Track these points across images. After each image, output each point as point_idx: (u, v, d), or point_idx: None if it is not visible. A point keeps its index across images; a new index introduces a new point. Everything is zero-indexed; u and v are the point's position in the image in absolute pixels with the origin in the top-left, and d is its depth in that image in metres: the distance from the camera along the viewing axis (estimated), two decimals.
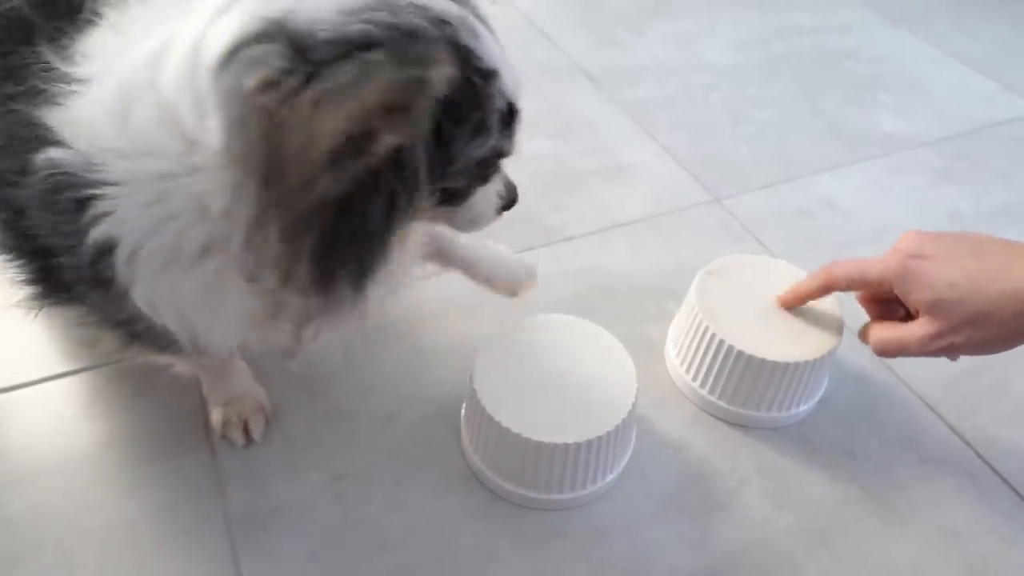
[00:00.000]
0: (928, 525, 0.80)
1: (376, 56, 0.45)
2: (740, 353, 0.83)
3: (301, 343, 0.65)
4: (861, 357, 0.96)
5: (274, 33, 0.47)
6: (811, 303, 0.86)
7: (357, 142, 0.45)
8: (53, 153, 0.52)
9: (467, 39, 0.52)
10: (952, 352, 0.70)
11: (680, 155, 1.30)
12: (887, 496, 0.83)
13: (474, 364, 0.80)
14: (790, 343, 0.84)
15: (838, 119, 1.41)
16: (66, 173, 0.52)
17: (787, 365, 0.83)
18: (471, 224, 0.67)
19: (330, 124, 0.44)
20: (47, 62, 0.54)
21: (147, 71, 0.51)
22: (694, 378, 0.89)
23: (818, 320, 0.87)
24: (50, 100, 0.53)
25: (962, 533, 0.80)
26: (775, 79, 1.51)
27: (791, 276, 0.88)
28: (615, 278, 1.05)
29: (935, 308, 0.68)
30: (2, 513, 0.76)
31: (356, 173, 0.47)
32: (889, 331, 0.74)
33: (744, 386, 0.85)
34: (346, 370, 0.92)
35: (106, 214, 0.53)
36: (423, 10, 0.50)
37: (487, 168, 0.60)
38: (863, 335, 0.79)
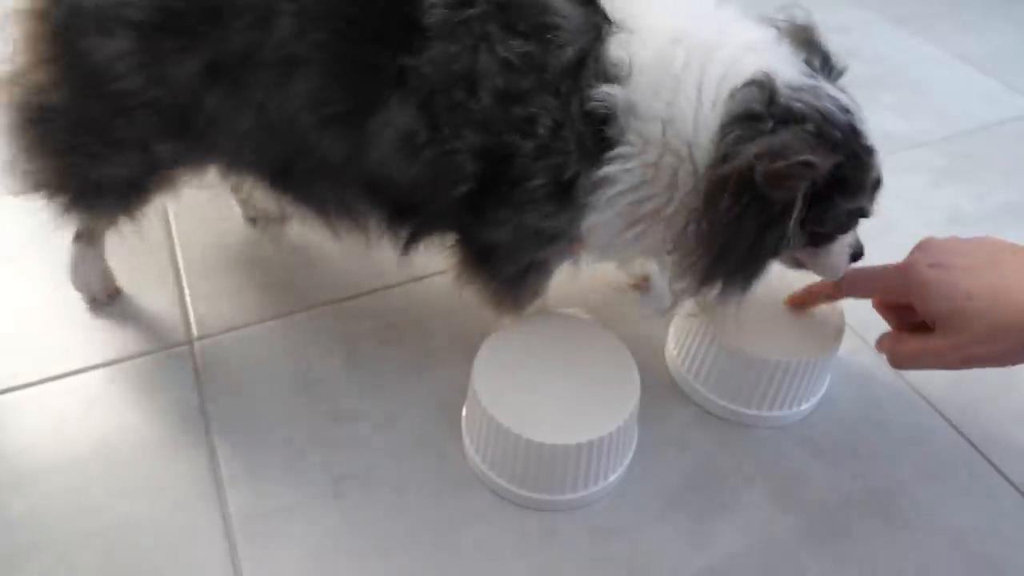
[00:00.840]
0: (932, 526, 0.80)
1: (803, 129, 0.64)
2: (740, 352, 0.83)
3: (675, 306, 0.79)
4: (864, 357, 0.96)
5: (765, 85, 0.65)
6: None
7: (768, 188, 0.62)
8: (610, 88, 0.67)
9: (859, 123, 0.68)
10: (969, 364, 0.68)
11: None
12: (891, 497, 0.82)
13: (474, 363, 0.80)
14: (791, 342, 0.84)
15: None
16: (608, 109, 0.67)
17: (788, 363, 0.82)
18: (825, 269, 0.78)
19: (761, 168, 0.61)
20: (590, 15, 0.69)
21: (695, 58, 0.67)
22: (695, 376, 0.89)
23: (820, 320, 0.86)
24: (603, 42, 0.68)
25: (966, 534, 0.79)
26: None
27: (791, 276, 0.88)
28: (617, 276, 1.05)
29: (952, 320, 0.66)
30: (2, 514, 0.76)
31: (761, 209, 0.64)
32: (905, 343, 0.72)
33: (745, 385, 0.85)
34: (349, 370, 0.92)
35: (619, 158, 0.68)
36: (834, 100, 0.67)
37: (850, 222, 0.73)
38: (880, 345, 0.78)
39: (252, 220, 1.11)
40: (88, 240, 0.94)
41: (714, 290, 0.70)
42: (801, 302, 0.84)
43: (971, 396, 0.92)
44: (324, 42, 0.70)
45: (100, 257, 0.96)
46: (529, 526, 0.78)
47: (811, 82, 0.68)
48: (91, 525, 0.76)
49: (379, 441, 0.85)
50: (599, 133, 0.68)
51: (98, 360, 0.91)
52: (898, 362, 0.74)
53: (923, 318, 0.72)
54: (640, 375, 0.80)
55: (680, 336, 0.92)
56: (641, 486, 0.82)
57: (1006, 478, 0.84)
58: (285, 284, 1.02)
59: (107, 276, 0.98)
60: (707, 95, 0.67)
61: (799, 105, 0.65)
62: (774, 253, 0.69)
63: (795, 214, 0.65)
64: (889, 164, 1.29)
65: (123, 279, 1.01)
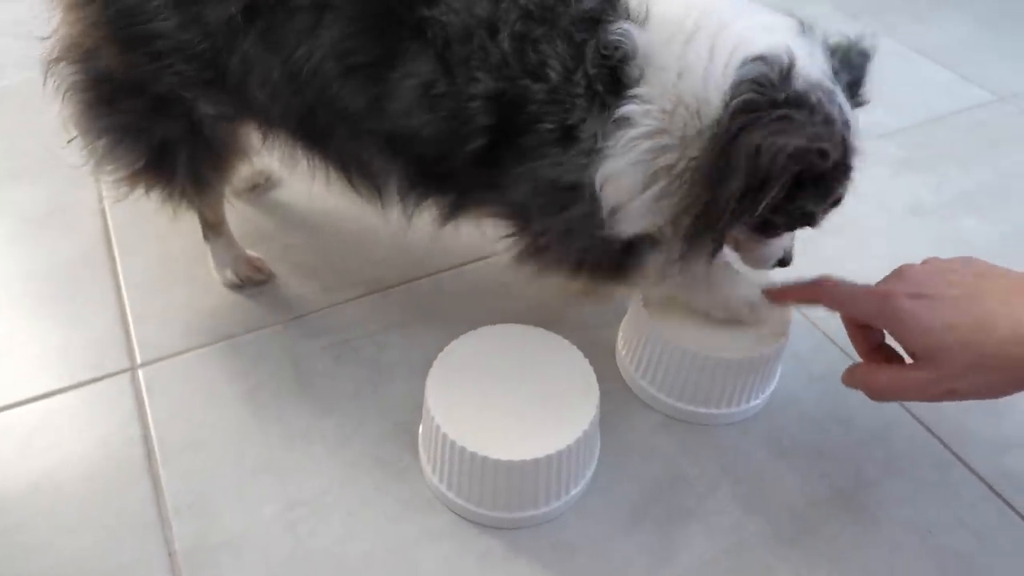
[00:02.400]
0: (900, 522, 0.79)
1: (811, 118, 0.65)
2: (685, 350, 0.82)
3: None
4: (827, 354, 0.95)
5: (775, 63, 0.66)
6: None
7: (762, 168, 0.64)
8: (629, 27, 0.68)
9: (853, 141, 0.69)
10: (952, 397, 0.65)
11: None
12: (858, 495, 0.81)
13: (427, 379, 0.77)
14: (734, 339, 0.83)
15: None
16: (627, 51, 0.68)
17: (730, 361, 0.82)
18: (755, 260, 0.82)
19: (763, 145, 0.63)
20: None
21: (713, 20, 0.68)
22: (643, 376, 0.88)
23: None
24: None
25: (934, 529, 0.78)
26: None
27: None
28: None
29: (934, 353, 0.63)
30: None
31: (751, 174, 0.64)
32: (880, 375, 0.69)
33: (690, 383, 0.84)
34: (300, 390, 0.89)
35: (637, 98, 0.68)
36: (842, 111, 0.68)
37: (799, 224, 0.75)
38: (850, 378, 0.73)
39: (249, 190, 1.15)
40: (214, 231, 1.00)
41: (684, 251, 0.72)
42: (777, 296, 0.82)
43: None
44: None
45: (232, 245, 1.01)
46: (491, 546, 0.75)
47: (828, 85, 0.68)
48: (31, 566, 0.72)
49: (333, 463, 0.82)
50: (614, 75, 0.68)
51: (36, 392, 0.87)
52: (876, 396, 0.71)
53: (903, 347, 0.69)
54: (600, 382, 0.78)
55: (627, 336, 0.90)
56: (605, 497, 0.80)
57: (971, 470, 0.83)
58: (233, 303, 0.99)
59: (249, 261, 1.02)
60: (719, 57, 0.67)
61: (814, 97, 0.66)
62: (735, 222, 0.69)
63: (773, 192, 0.65)
64: None
65: (61, 302, 0.97)
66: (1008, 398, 0.88)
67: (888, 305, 0.66)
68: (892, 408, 0.89)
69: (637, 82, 0.68)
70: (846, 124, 0.68)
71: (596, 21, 0.69)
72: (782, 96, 0.65)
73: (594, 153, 0.70)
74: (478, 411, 0.75)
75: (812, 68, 0.68)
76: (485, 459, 0.71)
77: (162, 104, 0.81)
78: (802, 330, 0.97)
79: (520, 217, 0.80)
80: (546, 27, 0.69)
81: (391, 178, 0.82)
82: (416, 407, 0.82)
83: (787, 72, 0.66)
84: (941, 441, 0.86)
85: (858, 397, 0.90)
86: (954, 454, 0.85)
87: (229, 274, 1.00)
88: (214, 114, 0.82)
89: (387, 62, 0.72)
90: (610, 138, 0.69)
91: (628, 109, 0.68)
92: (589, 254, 0.79)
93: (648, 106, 0.68)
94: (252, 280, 1.01)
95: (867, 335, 0.75)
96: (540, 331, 0.83)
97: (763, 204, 0.66)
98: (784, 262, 0.82)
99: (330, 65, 0.73)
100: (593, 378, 0.78)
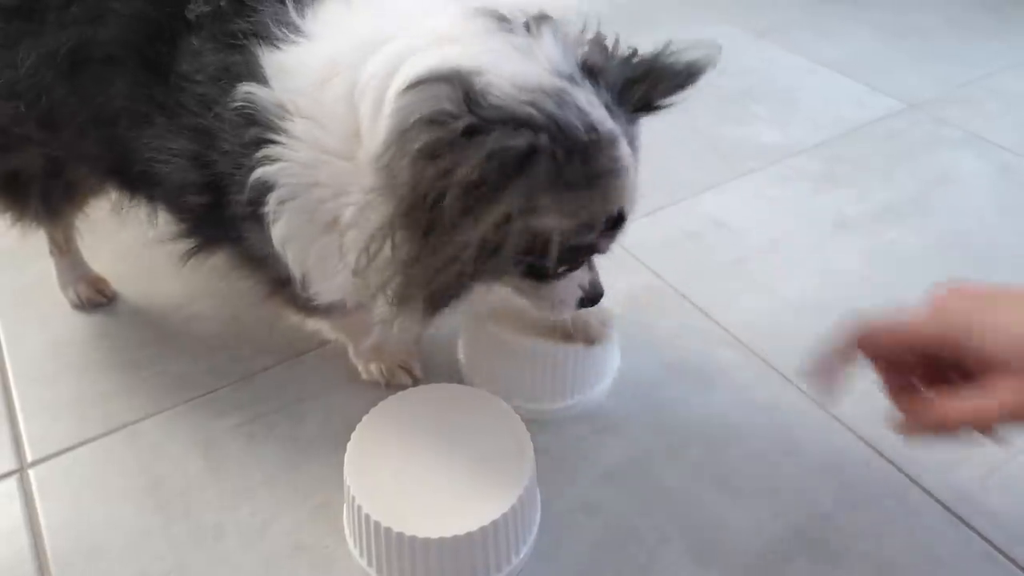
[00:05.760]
0: (861, 556, 0.75)
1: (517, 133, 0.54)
2: (504, 341, 0.83)
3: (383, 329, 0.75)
4: (769, 385, 0.91)
5: (454, 80, 0.55)
6: None
7: (481, 202, 0.53)
8: (254, 88, 0.61)
9: (604, 147, 0.58)
10: None
11: None
12: (815, 530, 0.77)
13: (346, 454, 0.70)
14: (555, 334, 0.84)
15: (715, 135, 1.39)
16: (257, 109, 0.61)
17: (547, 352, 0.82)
18: (550, 307, 0.70)
19: (466, 177, 0.52)
20: (283, 8, 0.63)
21: (356, 54, 0.60)
22: (475, 373, 0.89)
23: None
24: (272, 42, 0.62)
25: (896, 560, 0.74)
26: None
27: None
28: None
29: (1020, 352, 0.54)
30: None
31: (470, 226, 0.54)
32: (956, 403, 0.56)
33: (513, 374, 0.85)
34: (209, 478, 0.81)
35: (273, 160, 0.61)
36: (582, 113, 0.57)
37: (578, 258, 0.66)
38: (912, 423, 0.59)
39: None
40: (61, 251, 0.99)
41: (413, 310, 0.61)
42: (823, 379, 0.64)
43: (880, 410, 0.88)
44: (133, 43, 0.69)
45: (78, 265, 1.01)
46: None
47: (558, 84, 0.57)
48: None
49: (249, 558, 0.74)
50: (254, 133, 0.61)
51: None
52: (951, 428, 0.57)
53: (971, 364, 0.56)
54: (533, 438, 0.72)
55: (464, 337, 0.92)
56: (551, 565, 0.73)
57: (927, 492, 0.80)
58: (131, 386, 0.91)
59: (92, 283, 1.02)
60: (367, 92, 0.58)
61: (528, 110, 0.54)
62: (471, 280, 0.59)
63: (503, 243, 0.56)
64: (768, 175, 1.31)
65: None
66: None
67: (947, 315, 0.57)
68: (841, 433, 0.86)
69: (267, 140, 0.61)
70: (589, 127, 0.56)
71: (224, 79, 0.63)
72: (461, 125, 0.53)
73: (267, 223, 0.64)
74: (403, 484, 0.68)
75: (529, 71, 0.57)
76: (413, 538, 0.65)
77: (8, 138, 0.80)
78: (742, 359, 0.94)
79: (247, 266, 0.76)
80: (218, 89, 0.63)
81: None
82: (339, 483, 0.74)
83: (467, 91, 0.54)
84: (893, 464, 0.83)
85: (805, 425, 0.87)
86: (908, 476, 0.81)
87: (71, 294, 1.01)
88: (47, 151, 0.81)
89: (151, 109, 0.68)
90: (265, 204, 0.63)
91: (262, 171, 0.61)
92: (312, 303, 0.73)
93: (286, 163, 0.61)
94: (93, 302, 1.01)
95: (898, 372, 0.62)
96: (467, 389, 0.78)
97: (491, 259, 0.56)
98: (592, 300, 0.71)
99: (124, 115, 0.71)
100: (527, 436, 0.72)
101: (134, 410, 0.87)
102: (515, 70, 0.57)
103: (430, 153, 0.54)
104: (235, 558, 0.74)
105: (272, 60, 0.62)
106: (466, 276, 0.58)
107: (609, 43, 0.66)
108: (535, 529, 0.74)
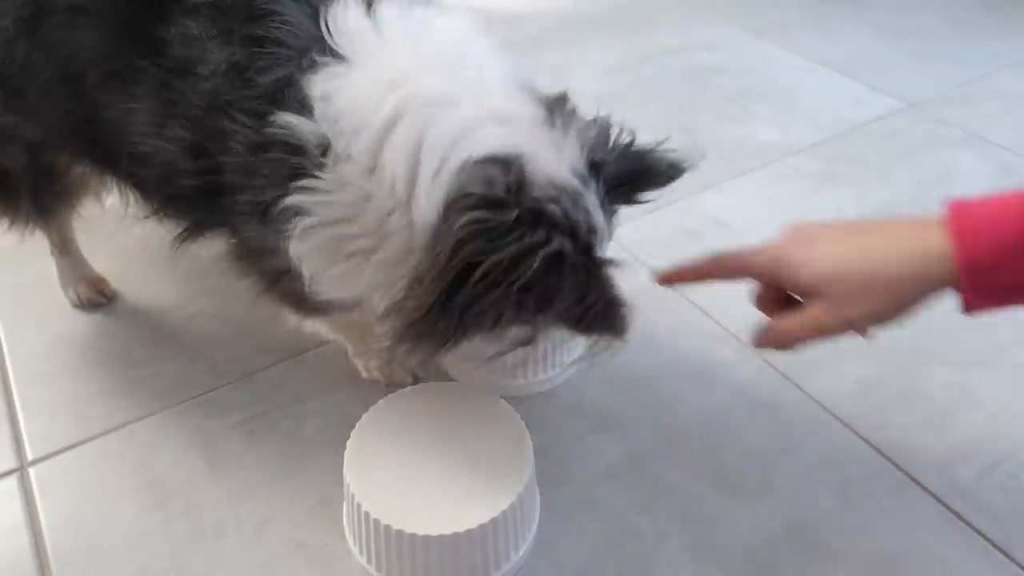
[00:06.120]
0: (860, 553, 0.75)
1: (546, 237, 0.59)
2: None
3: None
4: (769, 382, 0.91)
5: (510, 166, 0.59)
6: None
7: (504, 285, 0.58)
8: (295, 120, 0.61)
9: (596, 248, 0.64)
10: (851, 327, 0.67)
11: None
12: (813, 528, 0.77)
13: (345, 452, 0.71)
14: None
15: (714, 135, 1.39)
16: (298, 140, 0.62)
17: None
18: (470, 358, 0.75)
19: (501, 262, 0.57)
20: (304, 18, 0.64)
21: (420, 111, 0.61)
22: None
23: None
24: (303, 61, 0.62)
25: (895, 557, 0.74)
26: (649, 102, 1.49)
27: None
28: None
29: (821, 286, 0.66)
30: None
31: (488, 304, 0.59)
32: (790, 320, 0.69)
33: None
34: (210, 477, 0.81)
35: (310, 190, 0.62)
36: (588, 215, 0.62)
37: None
38: (763, 337, 0.72)
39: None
40: (60, 251, 0.99)
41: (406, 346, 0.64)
42: (670, 278, 0.79)
43: (878, 407, 0.89)
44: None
45: (79, 265, 1.01)
46: None
47: (575, 185, 0.62)
48: None
49: (249, 555, 0.74)
50: (289, 163, 0.63)
51: None
52: (787, 342, 0.71)
53: (799, 291, 0.70)
54: (532, 436, 0.72)
55: None
56: (550, 562, 0.74)
57: (924, 488, 0.80)
58: (131, 385, 0.91)
59: (92, 283, 1.01)
60: (429, 154, 0.60)
61: (553, 208, 0.60)
62: (465, 339, 0.63)
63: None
64: (768, 174, 1.31)
65: None
66: (949, 412, 0.88)
67: (775, 253, 0.69)
68: (839, 430, 0.86)
69: (313, 172, 0.62)
70: (591, 230, 0.62)
71: (275, 99, 0.63)
72: (513, 214, 0.58)
73: (284, 232, 0.65)
74: (402, 482, 0.69)
75: (556, 167, 0.61)
76: (413, 536, 0.65)
77: None
78: (741, 357, 0.94)
79: (245, 258, 0.76)
80: (240, 91, 0.64)
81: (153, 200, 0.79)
82: (339, 482, 0.75)
83: (519, 183, 0.59)
84: (891, 461, 0.83)
85: (803, 422, 0.88)
86: (906, 473, 0.82)
87: (71, 294, 1.01)
88: (36, 140, 0.81)
89: (130, 76, 0.68)
90: (290, 223, 0.64)
91: (297, 199, 0.63)
92: (305, 297, 0.74)
93: (324, 197, 0.63)
94: (93, 302, 1.01)
95: (773, 296, 0.75)
96: (466, 387, 0.78)
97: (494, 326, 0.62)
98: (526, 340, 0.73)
99: (92, 71, 0.71)
100: (526, 434, 0.72)
101: (134, 409, 0.88)
102: (550, 166, 0.61)
103: (477, 231, 0.58)
104: (235, 556, 0.74)
105: (313, 86, 0.62)
106: (464, 338, 0.62)
107: (612, 131, 0.68)
108: (535, 527, 0.74)
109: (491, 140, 0.60)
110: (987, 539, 0.75)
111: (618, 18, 1.81)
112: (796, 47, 1.70)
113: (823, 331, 0.67)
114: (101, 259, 1.08)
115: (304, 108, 0.62)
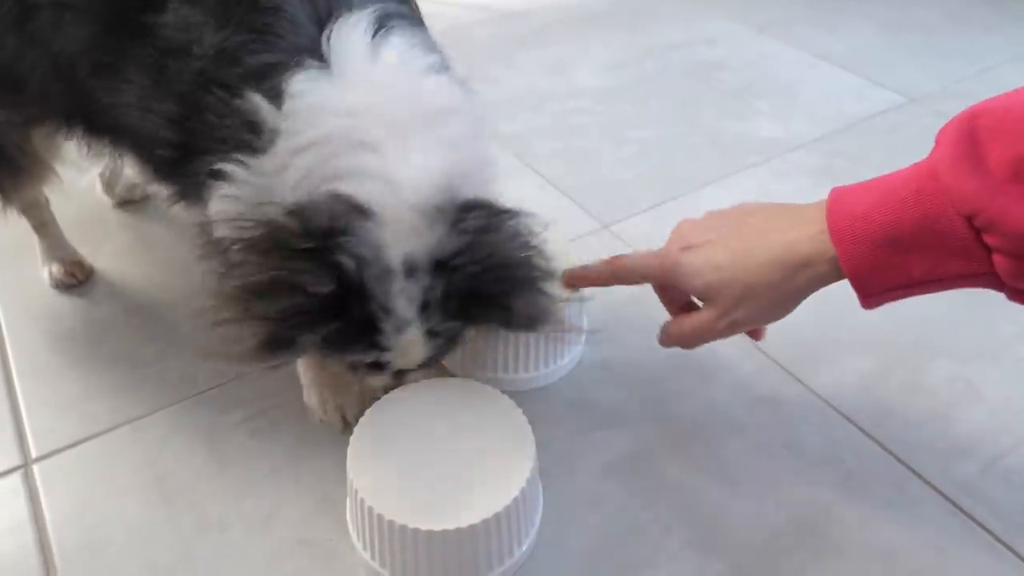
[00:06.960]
0: (862, 547, 0.75)
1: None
2: None
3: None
4: (770, 377, 0.91)
5: (349, 215, 0.63)
6: None
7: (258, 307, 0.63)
8: (264, 104, 0.65)
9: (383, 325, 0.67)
10: (738, 328, 0.70)
11: (563, 185, 1.25)
12: (816, 522, 0.77)
13: (348, 448, 0.71)
14: None
15: (716, 130, 1.39)
16: (257, 121, 0.66)
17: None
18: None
19: (260, 285, 0.63)
20: (320, 41, 0.66)
21: (336, 128, 0.64)
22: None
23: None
24: (299, 68, 0.65)
25: (897, 550, 0.75)
26: (651, 97, 1.49)
27: None
28: None
29: (708, 293, 0.69)
30: None
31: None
32: (687, 323, 0.73)
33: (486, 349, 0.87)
34: (215, 473, 0.81)
35: (240, 162, 0.66)
36: (387, 295, 0.65)
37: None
38: (666, 337, 0.76)
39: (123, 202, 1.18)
40: (39, 231, 1.03)
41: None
42: (577, 280, 0.81)
43: (880, 402, 0.89)
44: None
45: (57, 246, 1.04)
46: None
47: (388, 264, 0.64)
48: None
49: (254, 551, 0.74)
50: (246, 138, 0.66)
51: None
52: (686, 343, 0.75)
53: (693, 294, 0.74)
54: (535, 431, 0.72)
55: None
56: (553, 557, 0.74)
57: (926, 481, 0.80)
58: (135, 381, 0.91)
59: (67, 265, 1.03)
60: (311, 180, 0.64)
61: (348, 265, 0.63)
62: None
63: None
64: (769, 169, 1.31)
65: None
66: (952, 405, 0.88)
67: (663, 263, 0.72)
68: (841, 425, 0.86)
69: (253, 150, 0.66)
70: (382, 308, 0.65)
71: (254, 81, 0.66)
72: (303, 244, 0.62)
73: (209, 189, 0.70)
74: (405, 478, 0.69)
75: (391, 243, 0.64)
76: (416, 531, 0.65)
77: None
78: (742, 352, 0.94)
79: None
80: (225, 70, 0.67)
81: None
82: (342, 477, 0.75)
83: (342, 228, 0.62)
84: (893, 455, 0.83)
85: (806, 417, 0.88)
86: (908, 467, 0.82)
87: (45, 273, 1.04)
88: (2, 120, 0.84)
89: (121, 63, 0.72)
90: (215, 184, 0.68)
91: (229, 167, 0.67)
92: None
93: (246, 175, 0.66)
94: (65, 283, 1.03)
95: (673, 297, 0.78)
96: (469, 383, 0.78)
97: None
98: (379, 365, 0.73)
99: (82, 62, 0.74)
100: (528, 429, 0.73)
101: (138, 405, 0.88)
102: (386, 238, 0.63)
103: (264, 247, 0.63)
104: (240, 551, 0.74)
105: (292, 82, 0.65)
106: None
107: (512, 252, 0.69)
108: (537, 522, 0.75)
109: (364, 189, 0.63)
110: (989, 532, 0.76)
111: (620, 13, 1.81)
112: (797, 42, 1.70)
113: (716, 334, 0.71)
114: (104, 256, 1.08)
115: (275, 97, 0.65)
